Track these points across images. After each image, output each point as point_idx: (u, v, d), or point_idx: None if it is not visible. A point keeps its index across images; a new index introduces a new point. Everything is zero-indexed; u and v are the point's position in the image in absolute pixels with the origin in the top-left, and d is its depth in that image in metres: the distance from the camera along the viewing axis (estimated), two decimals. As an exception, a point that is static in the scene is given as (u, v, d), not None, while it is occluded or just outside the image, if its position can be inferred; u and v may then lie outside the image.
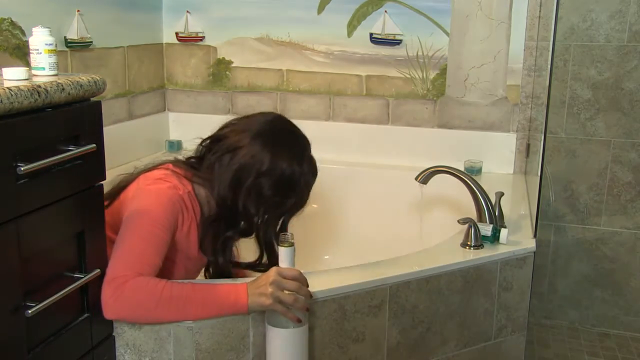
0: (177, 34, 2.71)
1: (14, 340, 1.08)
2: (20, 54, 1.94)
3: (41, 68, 1.20)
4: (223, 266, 1.53)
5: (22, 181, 1.05)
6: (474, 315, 1.70)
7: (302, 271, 1.33)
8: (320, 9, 2.56)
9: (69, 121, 1.17)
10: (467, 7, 2.41)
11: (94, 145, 1.20)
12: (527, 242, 1.77)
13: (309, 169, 1.51)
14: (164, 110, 2.77)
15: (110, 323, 1.33)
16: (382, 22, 2.50)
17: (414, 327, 1.60)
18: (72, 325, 1.24)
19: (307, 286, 1.33)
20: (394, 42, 2.51)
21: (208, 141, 1.54)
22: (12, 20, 1.91)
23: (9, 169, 1.03)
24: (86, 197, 1.23)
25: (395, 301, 1.54)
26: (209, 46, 2.71)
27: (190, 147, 1.64)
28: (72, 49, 2.17)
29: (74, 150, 1.16)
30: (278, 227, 1.54)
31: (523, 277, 1.75)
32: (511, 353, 1.79)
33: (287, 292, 1.29)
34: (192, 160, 1.56)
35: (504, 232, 1.75)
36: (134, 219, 1.35)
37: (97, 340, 1.30)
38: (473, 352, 1.72)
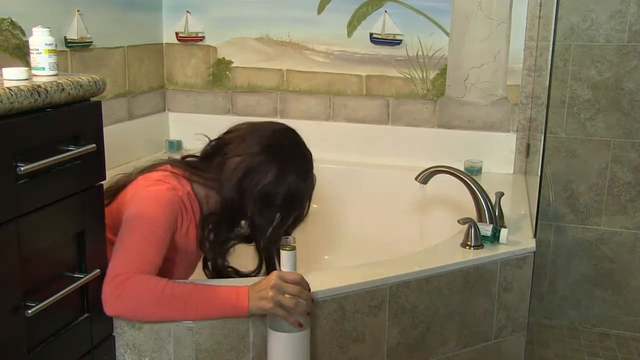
0: (177, 34, 2.71)
1: (14, 340, 1.08)
2: (20, 54, 1.94)
3: (41, 68, 1.20)
4: (222, 267, 1.55)
5: (22, 181, 1.05)
6: (474, 315, 1.70)
7: (302, 272, 1.33)
8: (320, 9, 2.56)
9: (69, 121, 1.17)
10: (467, 7, 2.41)
11: (94, 145, 1.20)
12: (527, 242, 1.77)
13: (312, 185, 1.56)
14: (164, 110, 2.77)
15: (110, 323, 1.33)
16: (382, 22, 2.50)
17: (414, 327, 1.60)
18: (72, 325, 1.24)
19: (309, 290, 1.33)
20: (394, 42, 2.51)
21: (215, 142, 1.56)
22: (12, 20, 1.91)
23: (9, 169, 1.03)
24: (86, 197, 1.23)
25: (395, 301, 1.54)
26: (209, 46, 2.71)
27: (190, 147, 1.65)
28: (72, 49, 2.17)
29: (74, 150, 1.16)
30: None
31: (523, 277, 1.75)
32: (511, 353, 1.79)
33: (288, 296, 1.28)
34: (192, 159, 1.57)
35: (504, 232, 1.75)
36: (134, 220, 1.35)
37: (97, 340, 1.30)
38: (473, 352, 1.73)
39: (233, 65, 2.69)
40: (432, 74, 2.50)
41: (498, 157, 2.47)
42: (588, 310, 2.61)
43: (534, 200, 1.96)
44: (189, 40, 2.71)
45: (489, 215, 1.82)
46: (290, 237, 1.32)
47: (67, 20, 2.15)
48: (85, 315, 1.27)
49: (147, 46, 2.62)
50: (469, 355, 1.72)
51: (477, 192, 1.84)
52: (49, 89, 1.09)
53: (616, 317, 2.59)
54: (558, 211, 2.57)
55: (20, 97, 1.03)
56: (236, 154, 1.49)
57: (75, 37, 2.17)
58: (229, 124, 1.62)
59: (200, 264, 1.65)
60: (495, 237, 1.75)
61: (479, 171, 2.43)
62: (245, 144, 1.50)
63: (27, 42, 1.87)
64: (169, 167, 1.51)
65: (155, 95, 2.70)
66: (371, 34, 2.53)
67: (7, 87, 1.02)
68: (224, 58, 2.70)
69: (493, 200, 1.85)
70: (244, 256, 1.63)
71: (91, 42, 2.25)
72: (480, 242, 1.73)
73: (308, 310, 1.31)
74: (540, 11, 2.35)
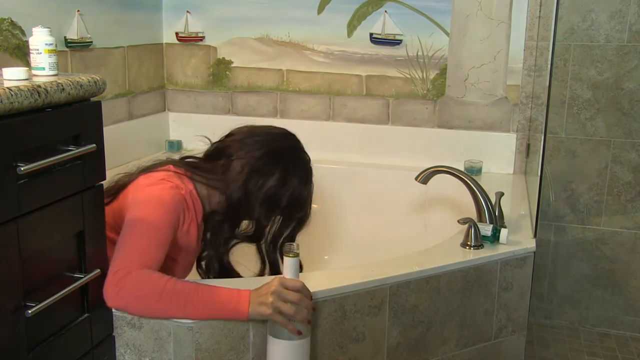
0: (177, 34, 2.71)
1: (14, 340, 1.08)
2: (20, 54, 1.94)
3: (41, 68, 1.20)
4: (227, 264, 1.59)
5: (22, 181, 1.05)
6: (474, 315, 1.70)
7: (302, 272, 1.33)
8: (320, 9, 2.56)
9: (69, 121, 1.17)
10: (467, 7, 2.41)
11: (94, 145, 1.20)
12: (527, 242, 1.77)
13: (312, 188, 1.60)
14: (164, 110, 2.77)
15: (110, 323, 1.34)
16: (382, 22, 2.50)
17: (414, 327, 1.60)
18: (72, 325, 1.24)
19: (310, 298, 1.32)
20: (394, 42, 2.51)
21: (217, 144, 1.60)
22: (12, 20, 1.91)
23: (9, 169, 1.03)
24: (86, 197, 1.23)
25: (395, 301, 1.54)
26: (209, 46, 2.71)
27: (190, 147, 1.67)
28: (72, 49, 2.17)
29: (74, 150, 1.16)
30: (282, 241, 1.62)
31: (523, 277, 1.75)
32: (511, 353, 1.79)
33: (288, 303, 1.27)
34: (194, 160, 1.59)
35: (504, 232, 1.75)
36: (137, 217, 1.36)
37: (97, 340, 1.30)
38: (473, 352, 1.73)
39: (233, 65, 2.69)
40: (432, 74, 2.50)
41: (498, 157, 2.47)
42: (588, 310, 2.62)
43: (534, 200, 1.96)
44: (189, 40, 2.71)
45: (489, 215, 1.82)
46: (294, 243, 1.31)
47: (67, 20, 2.15)
48: (85, 315, 1.27)
49: (147, 46, 2.62)
50: (469, 355, 1.72)
51: (477, 192, 1.84)
52: (49, 89, 1.09)
53: (616, 317, 2.59)
54: (558, 211, 2.57)
55: (20, 97, 1.03)
56: (239, 156, 1.53)
57: (75, 37, 2.18)
58: (229, 124, 1.64)
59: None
60: (495, 237, 1.75)
61: (479, 171, 2.43)
62: (248, 147, 1.54)
63: (27, 42, 1.87)
64: (171, 167, 1.53)
65: (155, 95, 2.70)
66: (371, 34, 2.53)
67: (7, 87, 1.02)
68: (224, 58, 2.70)
69: (493, 200, 1.85)
70: (244, 257, 1.64)
71: (91, 42, 2.25)
72: (480, 242, 1.73)
73: (308, 319, 1.30)
74: (540, 11, 2.35)
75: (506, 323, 1.77)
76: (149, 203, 1.39)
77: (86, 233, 1.24)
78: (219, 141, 1.60)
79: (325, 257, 2.44)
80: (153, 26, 2.67)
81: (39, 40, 1.19)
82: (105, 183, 1.31)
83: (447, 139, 2.51)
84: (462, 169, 2.23)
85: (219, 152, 1.58)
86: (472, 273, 1.66)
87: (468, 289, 1.67)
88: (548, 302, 2.65)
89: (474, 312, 1.70)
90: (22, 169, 1.03)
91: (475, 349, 1.73)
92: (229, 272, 1.61)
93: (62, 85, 1.13)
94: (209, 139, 1.62)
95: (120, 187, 1.51)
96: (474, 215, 1.82)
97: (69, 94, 1.14)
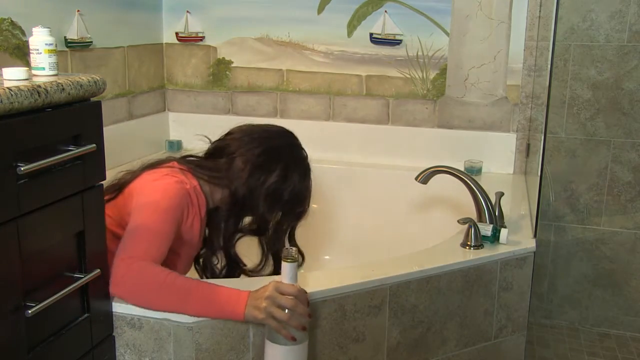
0: (177, 34, 2.71)
1: (14, 340, 1.08)
2: (20, 54, 1.94)
3: (41, 68, 1.20)
4: (235, 257, 1.63)
5: (22, 181, 1.05)
6: (474, 315, 1.70)
7: (302, 271, 1.33)
8: (320, 9, 2.56)
9: (69, 121, 1.17)
10: (467, 7, 2.41)
11: (94, 145, 1.20)
12: (527, 242, 1.77)
13: (311, 183, 1.64)
14: (164, 110, 2.77)
15: (110, 323, 1.34)
16: (382, 22, 2.50)
17: (414, 327, 1.60)
18: (72, 325, 1.24)
19: (307, 304, 1.30)
20: (394, 42, 2.51)
21: (217, 143, 1.63)
22: (12, 20, 1.91)
23: (9, 169, 1.03)
24: (86, 197, 1.23)
25: (395, 301, 1.54)
26: (209, 46, 2.71)
27: (190, 147, 1.70)
28: (72, 49, 2.17)
29: (74, 150, 1.16)
30: (286, 235, 1.66)
31: (523, 277, 1.75)
32: (511, 353, 1.79)
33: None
34: (195, 159, 1.62)
35: (504, 232, 1.75)
36: (142, 210, 1.39)
37: (97, 340, 1.30)
38: (473, 352, 1.73)
39: (233, 65, 2.69)
40: (432, 74, 2.50)
41: (498, 157, 2.47)
42: (588, 310, 2.62)
43: (534, 200, 1.96)
44: (189, 40, 2.71)
45: (489, 215, 1.82)
46: (292, 248, 1.30)
47: (67, 20, 2.15)
48: (85, 315, 1.27)
49: (147, 46, 2.62)
50: (469, 355, 1.72)
51: (477, 192, 1.84)
52: (49, 89, 1.09)
53: (616, 317, 2.59)
54: (558, 211, 2.57)
55: (20, 97, 1.03)
56: (241, 153, 1.56)
57: (75, 37, 2.18)
58: (229, 124, 1.67)
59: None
60: (495, 237, 1.75)
61: (479, 171, 2.43)
62: (248, 145, 1.57)
63: (27, 42, 1.87)
64: (175, 163, 1.57)
65: (155, 95, 2.70)
66: (371, 34, 2.53)
67: (7, 87, 1.02)
68: (224, 58, 2.70)
69: (493, 200, 1.85)
70: (246, 249, 1.66)
71: (91, 42, 2.25)
72: (480, 242, 1.73)
73: (303, 325, 1.28)
74: (540, 11, 2.35)
75: (506, 323, 1.77)
76: (154, 197, 1.42)
77: (86, 233, 1.24)
78: (219, 140, 1.64)
79: (326, 257, 2.45)
80: (153, 26, 2.67)
81: (39, 40, 1.19)
82: (107, 181, 1.32)
83: (447, 139, 2.51)
84: (462, 169, 2.23)
85: (219, 150, 1.61)
86: (472, 273, 1.66)
87: (468, 289, 1.67)
88: (548, 302, 2.65)
89: (474, 312, 1.70)
90: (22, 169, 1.03)
91: (475, 349, 1.73)
92: (237, 263, 1.65)
93: (62, 85, 1.13)
94: (208, 139, 1.66)
95: (124, 183, 1.53)
96: (474, 215, 1.82)
97: (69, 94, 1.14)
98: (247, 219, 1.63)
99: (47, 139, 1.13)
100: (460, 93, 2.49)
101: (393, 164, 2.53)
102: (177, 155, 1.70)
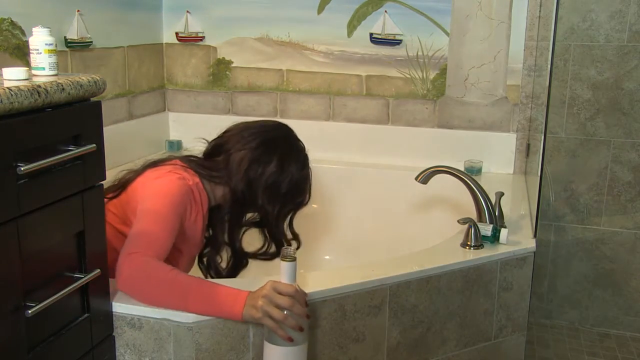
0: (177, 34, 2.71)
1: (14, 340, 1.08)
2: (20, 54, 1.94)
3: (41, 68, 1.20)
4: (241, 250, 1.65)
5: (22, 181, 1.05)
6: (474, 315, 1.70)
7: (302, 271, 1.33)
8: (320, 9, 2.56)
9: (69, 121, 1.17)
10: (467, 7, 2.41)
11: (94, 145, 1.20)
12: (527, 242, 1.77)
13: (310, 173, 1.66)
14: (164, 110, 2.77)
15: (110, 323, 1.34)
16: (382, 22, 2.50)
17: (414, 327, 1.60)
18: (72, 325, 1.24)
19: (305, 305, 1.28)
20: (394, 42, 2.51)
21: (214, 141, 1.65)
22: (12, 20, 1.91)
23: (9, 169, 1.03)
24: (86, 197, 1.23)
25: (395, 301, 1.54)
26: (209, 46, 2.71)
27: (190, 147, 1.71)
28: (72, 49, 2.17)
29: (74, 150, 1.16)
30: (287, 221, 1.68)
31: (523, 277, 1.75)
32: (511, 353, 1.79)
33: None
34: (195, 158, 1.64)
35: (504, 232, 1.75)
36: (147, 207, 1.41)
37: (97, 340, 1.30)
38: (473, 352, 1.73)
39: (233, 65, 2.69)
40: (432, 74, 2.50)
41: (498, 157, 2.47)
42: (588, 310, 2.62)
43: (534, 200, 1.96)
44: (189, 40, 2.71)
45: (489, 215, 1.82)
46: (290, 248, 1.29)
47: (67, 20, 2.15)
48: (85, 315, 1.27)
49: (147, 46, 2.62)
50: (469, 355, 1.72)
51: (477, 192, 1.84)
52: (49, 89, 1.09)
53: (616, 317, 2.59)
54: (558, 211, 2.57)
55: (20, 97, 1.03)
56: (237, 149, 1.58)
57: (75, 37, 2.18)
58: (229, 124, 1.68)
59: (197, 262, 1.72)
60: (495, 237, 1.75)
61: (479, 171, 2.43)
62: (244, 140, 1.59)
63: (27, 42, 1.87)
64: (178, 161, 1.58)
65: (155, 95, 2.70)
66: (371, 34, 2.53)
67: (7, 87, 1.02)
68: (224, 58, 2.70)
69: (493, 200, 1.85)
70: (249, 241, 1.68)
71: (91, 42, 2.25)
72: (480, 242, 1.73)
73: (301, 325, 1.26)
74: (540, 11, 2.35)
75: (506, 323, 1.77)
76: (158, 194, 1.43)
77: (86, 233, 1.24)
78: (216, 138, 1.66)
79: (326, 257, 2.45)
80: (153, 26, 2.67)
81: (39, 40, 1.19)
82: (108, 181, 1.33)
83: (447, 139, 2.51)
84: (462, 169, 2.23)
85: (217, 148, 1.63)
86: (472, 273, 1.66)
87: (468, 289, 1.67)
88: (548, 302, 2.65)
89: (474, 312, 1.70)
90: (22, 169, 1.03)
91: (475, 349, 1.73)
92: (244, 255, 1.67)
93: (62, 85, 1.13)
94: (206, 140, 1.68)
95: (127, 181, 1.55)
96: (474, 215, 1.82)
97: (69, 94, 1.14)
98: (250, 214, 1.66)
99: (47, 139, 1.13)
100: (460, 93, 2.49)
101: (393, 164, 2.53)
102: (178, 155, 1.71)
